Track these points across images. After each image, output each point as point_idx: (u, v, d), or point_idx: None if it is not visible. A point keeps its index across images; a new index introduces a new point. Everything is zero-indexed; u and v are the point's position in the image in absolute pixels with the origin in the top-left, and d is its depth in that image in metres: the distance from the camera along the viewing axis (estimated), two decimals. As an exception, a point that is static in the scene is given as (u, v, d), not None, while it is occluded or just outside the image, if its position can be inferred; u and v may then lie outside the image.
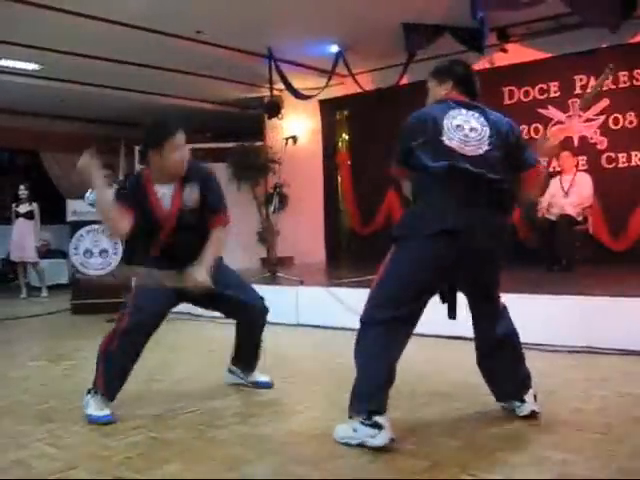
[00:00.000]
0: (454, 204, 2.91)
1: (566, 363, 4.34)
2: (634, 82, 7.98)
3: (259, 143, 10.46)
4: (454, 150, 2.95)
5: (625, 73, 7.99)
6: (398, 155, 3.12)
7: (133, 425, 3.31)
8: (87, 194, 9.23)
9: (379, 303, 2.97)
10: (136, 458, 2.83)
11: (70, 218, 8.35)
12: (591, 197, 7.48)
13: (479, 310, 3.22)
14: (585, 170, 7.97)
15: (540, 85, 8.66)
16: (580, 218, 7.42)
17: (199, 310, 6.10)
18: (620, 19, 6.84)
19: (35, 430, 3.29)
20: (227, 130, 11.61)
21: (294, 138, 8.43)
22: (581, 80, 8.32)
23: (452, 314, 3.14)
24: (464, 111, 3.07)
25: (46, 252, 11.44)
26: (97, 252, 8.26)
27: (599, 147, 8.26)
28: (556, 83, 8.54)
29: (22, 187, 10.26)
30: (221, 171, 8.44)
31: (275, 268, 7.97)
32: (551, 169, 8.41)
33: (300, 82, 9.38)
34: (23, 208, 10.22)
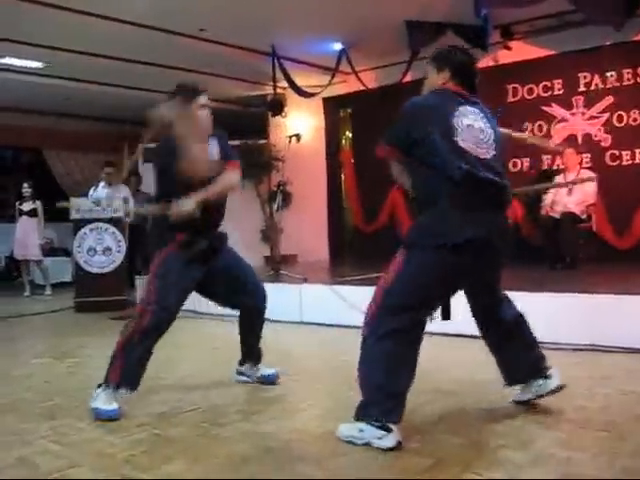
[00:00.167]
0: (470, 212, 2.86)
1: (570, 361, 4.34)
2: (638, 80, 7.95)
3: (262, 141, 10.46)
4: (469, 153, 2.90)
5: (629, 71, 7.97)
6: (393, 137, 3.04)
7: (137, 423, 3.32)
8: (90, 192, 9.27)
9: (391, 310, 2.89)
10: (140, 455, 2.83)
11: (73, 216, 8.35)
12: (595, 195, 7.46)
13: (483, 304, 3.22)
14: (589, 168, 7.95)
15: (544, 83, 8.64)
16: (584, 216, 7.40)
17: (202, 308, 6.15)
18: (624, 17, 6.82)
19: (39, 427, 3.30)
20: (230, 128, 11.51)
21: (297, 136, 8.42)
22: (585, 78, 8.30)
23: (446, 315, 3.14)
24: (470, 108, 3.02)
25: (49, 250, 11.46)
26: (100, 250, 8.27)
27: (603, 145, 8.23)
28: (560, 81, 8.52)
29: (26, 185, 10.26)
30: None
31: (279, 266, 7.97)
32: (555, 167, 8.43)
33: (303, 80, 9.36)
34: (27, 206, 10.22)
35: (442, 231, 2.86)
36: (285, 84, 9.40)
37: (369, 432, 2.81)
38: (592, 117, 8.29)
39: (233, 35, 8.27)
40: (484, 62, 7.86)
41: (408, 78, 8.65)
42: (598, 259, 7.59)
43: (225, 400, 3.74)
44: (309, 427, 3.21)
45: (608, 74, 8.12)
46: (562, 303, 5.01)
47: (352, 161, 10.77)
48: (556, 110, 8.55)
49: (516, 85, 8.78)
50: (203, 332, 6.27)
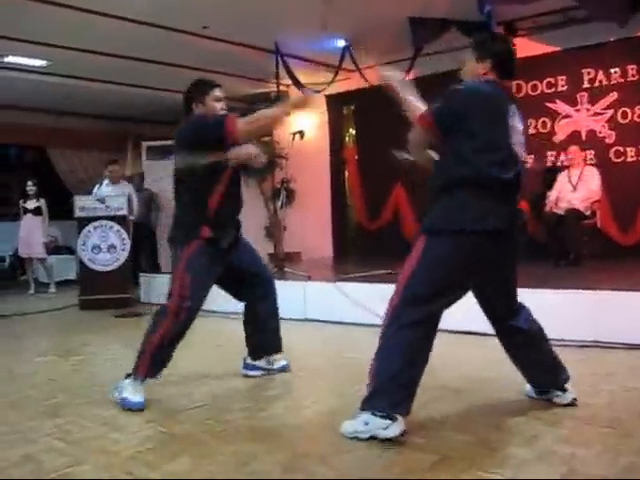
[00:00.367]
0: (494, 204, 2.89)
1: (574, 357, 4.32)
2: (642, 76, 7.94)
3: (266, 138, 10.45)
4: (516, 155, 2.96)
5: (633, 67, 7.94)
6: (439, 114, 2.97)
7: (142, 420, 3.33)
8: (94, 189, 9.28)
9: (412, 301, 2.90)
10: (145, 452, 2.84)
11: (78, 214, 8.36)
12: (599, 191, 7.44)
13: (501, 307, 3.22)
14: (593, 164, 7.93)
15: (548, 79, 8.62)
16: (588, 212, 7.39)
17: (206, 305, 6.15)
18: (628, 13, 6.80)
19: (43, 425, 3.30)
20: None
21: (301, 133, 8.41)
22: (589, 74, 8.28)
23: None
24: (514, 108, 3.03)
25: (54, 248, 11.47)
26: (105, 248, 8.28)
27: (607, 141, 8.21)
28: (564, 77, 8.50)
29: (30, 183, 10.27)
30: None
31: (282, 263, 7.97)
32: (559, 163, 8.41)
33: (307, 77, 9.35)
34: (31, 204, 10.23)
35: (462, 218, 2.88)
36: (288, 81, 9.40)
37: (373, 423, 2.81)
38: (596, 113, 8.27)
39: (236, 32, 8.26)
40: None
41: (412, 75, 8.63)
42: (602, 256, 7.57)
43: (230, 397, 3.74)
44: (313, 424, 3.22)
45: (612, 70, 8.10)
46: (566, 299, 5.00)
47: (356, 158, 10.77)
48: (560, 106, 8.53)
49: (520, 82, 8.75)
50: (207, 329, 6.25)
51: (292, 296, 6.45)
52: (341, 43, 8.79)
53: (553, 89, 8.61)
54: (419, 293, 2.90)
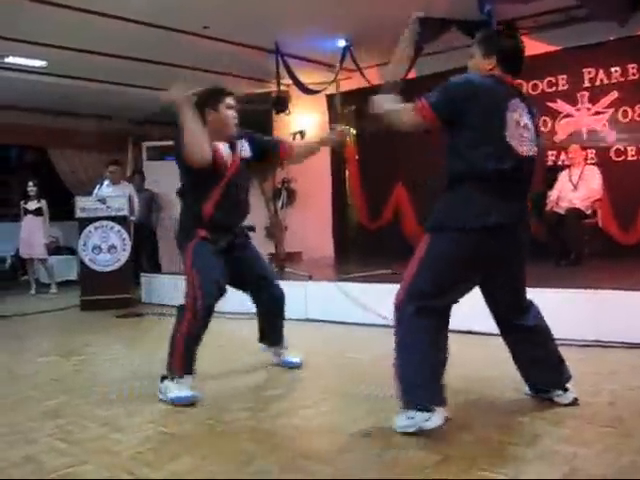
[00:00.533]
0: (497, 199, 2.89)
1: (575, 357, 4.31)
2: (643, 75, 7.93)
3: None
4: (513, 149, 2.92)
5: (634, 66, 7.93)
6: (435, 102, 2.95)
7: (143, 420, 3.32)
8: (95, 190, 9.28)
9: (418, 297, 2.93)
10: (146, 453, 2.84)
11: (78, 215, 8.36)
12: (600, 190, 7.44)
13: (507, 305, 3.22)
14: (594, 163, 7.93)
15: (548, 78, 8.61)
16: (589, 212, 7.39)
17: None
18: (629, 12, 6.79)
19: (45, 425, 3.30)
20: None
21: (302, 133, 8.36)
22: (589, 73, 8.27)
23: None
24: (519, 102, 3.01)
25: (55, 249, 11.48)
26: (106, 248, 8.28)
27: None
28: (564, 76, 8.49)
29: (31, 184, 10.27)
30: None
31: (283, 263, 7.97)
32: (560, 162, 8.41)
33: (307, 77, 9.36)
34: (32, 205, 10.23)
35: (463, 215, 2.89)
36: (289, 81, 9.40)
37: (418, 417, 2.86)
38: (597, 112, 8.26)
39: (236, 32, 8.26)
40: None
41: (412, 74, 8.63)
42: (603, 255, 7.57)
43: (230, 397, 3.74)
44: (314, 424, 3.21)
45: (613, 69, 8.09)
46: (567, 299, 4.99)
47: (356, 158, 10.75)
48: (561, 106, 8.52)
49: (520, 81, 8.63)
50: (207, 330, 6.26)
51: (293, 296, 6.41)
52: (342, 43, 8.78)
53: (554, 88, 8.60)
54: (425, 290, 2.93)
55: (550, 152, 8.56)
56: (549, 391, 3.29)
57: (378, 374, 4.06)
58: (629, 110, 8.04)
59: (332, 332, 5.89)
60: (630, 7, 6.75)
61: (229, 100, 3.92)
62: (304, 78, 9.27)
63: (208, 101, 3.89)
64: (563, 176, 7.64)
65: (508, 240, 2.98)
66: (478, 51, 3.12)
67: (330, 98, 10.58)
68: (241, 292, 4.25)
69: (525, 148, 2.98)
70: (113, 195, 8.74)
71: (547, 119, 8.56)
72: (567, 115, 8.48)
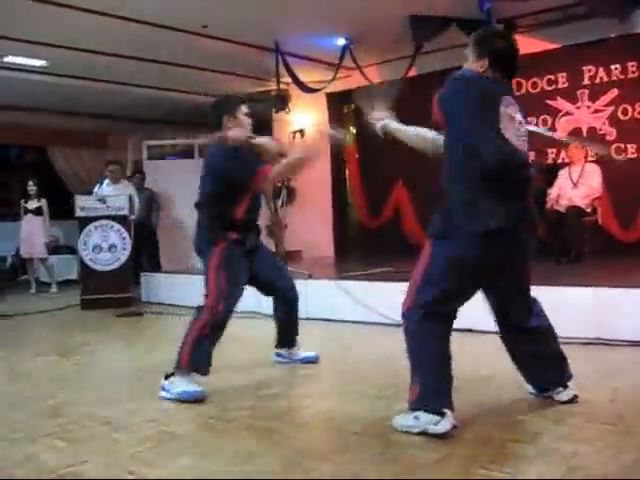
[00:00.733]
0: (499, 201, 2.86)
1: (576, 355, 4.31)
2: (643, 72, 7.92)
3: (267, 137, 10.43)
4: (510, 143, 2.90)
5: (634, 63, 7.91)
6: (443, 101, 2.94)
7: (143, 419, 3.32)
8: (95, 189, 9.28)
9: (424, 304, 2.93)
10: (147, 451, 2.84)
11: (79, 214, 8.37)
12: (600, 188, 7.43)
13: (510, 307, 3.21)
14: (594, 161, 7.91)
15: (548, 76, 8.59)
16: (589, 209, 7.38)
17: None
18: (629, 9, 6.79)
19: (45, 424, 3.30)
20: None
21: (301, 132, 8.41)
22: (589, 71, 8.26)
23: None
24: (511, 99, 3.00)
25: (55, 248, 11.48)
26: (106, 247, 8.28)
27: (608, 138, 8.19)
28: (564, 74, 8.47)
29: (31, 183, 10.28)
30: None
31: (283, 262, 7.96)
32: (560, 160, 8.40)
33: (307, 75, 9.35)
34: (32, 204, 10.24)
35: (464, 221, 2.87)
36: (289, 80, 9.39)
37: (424, 419, 2.84)
38: (597, 110, 8.25)
39: (236, 31, 8.25)
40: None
41: (412, 73, 8.63)
42: (603, 253, 7.55)
43: (231, 396, 3.74)
44: (315, 422, 3.22)
45: (613, 67, 8.07)
46: (568, 297, 4.98)
47: (356, 157, 10.75)
48: (561, 104, 8.51)
49: (520, 79, 8.71)
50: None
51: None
52: (341, 41, 8.77)
53: (553, 86, 8.59)
54: (431, 297, 2.92)
55: (550, 150, 8.55)
56: (549, 389, 3.29)
57: (378, 372, 4.07)
58: (629, 108, 8.03)
59: (332, 330, 5.89)
60: (630, 4, 6.74)
61: (245, 108, 4.11)
62: (304, 77, 9.26)
63: (226, 108, 4.06)
64: (563, 174, 7.63)
65: (511, 242, 2.96)
66: (471, 53, 3.09)
67: (330, 97, 10.57)
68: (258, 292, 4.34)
69: (519, 143, 2.96)
70: (113, 194, 8.74)
71: (547, 117, 8.55)
72: (567, 113, 8.46)
